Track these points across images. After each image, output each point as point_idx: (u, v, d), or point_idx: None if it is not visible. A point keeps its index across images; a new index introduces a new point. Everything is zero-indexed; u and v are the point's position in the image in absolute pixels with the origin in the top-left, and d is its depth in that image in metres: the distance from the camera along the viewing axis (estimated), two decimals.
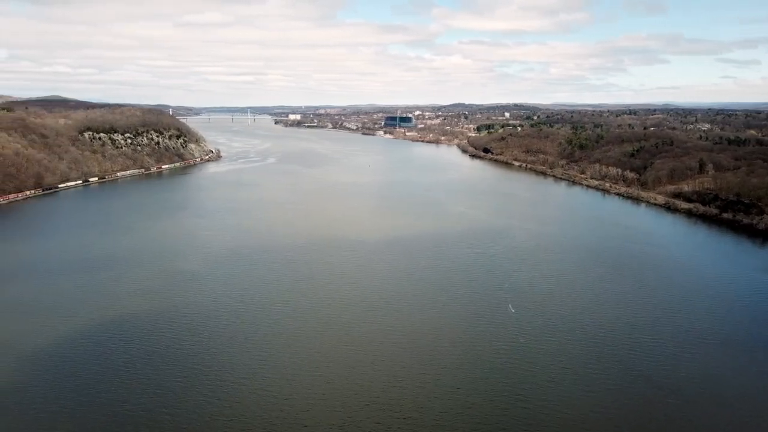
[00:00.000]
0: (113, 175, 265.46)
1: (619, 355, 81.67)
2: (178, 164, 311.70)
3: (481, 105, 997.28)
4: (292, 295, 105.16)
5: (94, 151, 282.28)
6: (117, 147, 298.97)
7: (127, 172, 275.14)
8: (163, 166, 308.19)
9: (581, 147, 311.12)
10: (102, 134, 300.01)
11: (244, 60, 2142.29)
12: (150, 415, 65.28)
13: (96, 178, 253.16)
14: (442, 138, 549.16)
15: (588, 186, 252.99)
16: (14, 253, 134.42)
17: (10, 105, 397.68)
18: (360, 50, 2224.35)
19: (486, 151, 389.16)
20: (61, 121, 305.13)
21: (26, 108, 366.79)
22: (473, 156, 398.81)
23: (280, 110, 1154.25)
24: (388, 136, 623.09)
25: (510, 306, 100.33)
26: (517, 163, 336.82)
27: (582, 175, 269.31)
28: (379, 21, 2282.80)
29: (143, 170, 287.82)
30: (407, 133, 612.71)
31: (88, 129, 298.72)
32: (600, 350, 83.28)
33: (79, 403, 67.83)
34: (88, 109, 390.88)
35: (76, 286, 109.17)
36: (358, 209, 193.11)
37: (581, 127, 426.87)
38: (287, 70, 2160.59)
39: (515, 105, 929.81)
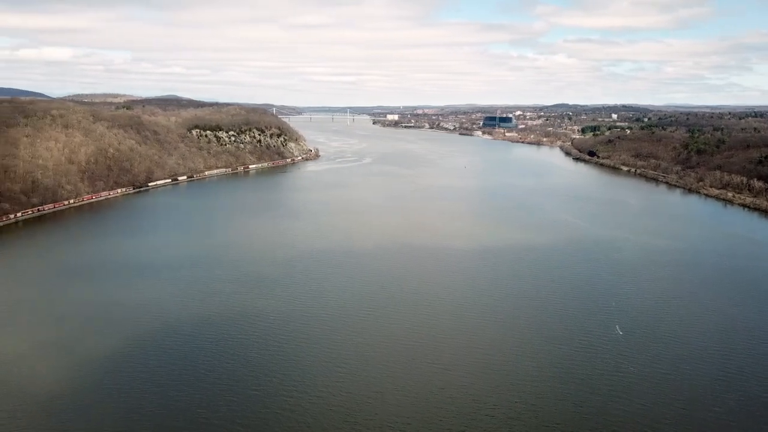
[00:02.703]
0: (201, 174, 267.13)
1: (750, 397, 70.03)
2: (265, 164, 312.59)
3: (586, 106, 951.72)
4: (379, 303, 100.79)
5: (200, 148, 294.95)
6: (221, 144, 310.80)
7: (215, 171, 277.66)
8: (252, 165, 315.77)
9: (699, 152, 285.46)
10: (208, 132, 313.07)
11: (346, 60, 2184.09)
12: (226, 425, 62.97)
13: (184, 177, 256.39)
14: (544, 139, 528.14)
15: (707, 195, 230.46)
16: (104, 250, 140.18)
17: (130, 104, 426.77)
18: (461, 49, 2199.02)
19: (591, 154, 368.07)
20: (172, 119, 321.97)
21: (143, 106, 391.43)
22: (577, 159, 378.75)
23: (379, 110, 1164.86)
24: (486, 136, 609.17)
25: (618, 328, 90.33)
26: (625, 168, 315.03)
27: (700, 183, 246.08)
28: (481, 20, 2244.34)
29: (230, 169, 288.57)
30: (507, 134, 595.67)
31: (196, 127, 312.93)
32: (726, 389, 71.86)
33: (158, 405, 66.89)
34: (197, 107, 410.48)
35: (161, 285, 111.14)
36: (451, 214, 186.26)
37: (698, 130, 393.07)
38: (386, 70, 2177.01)
39: (623, 106, 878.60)
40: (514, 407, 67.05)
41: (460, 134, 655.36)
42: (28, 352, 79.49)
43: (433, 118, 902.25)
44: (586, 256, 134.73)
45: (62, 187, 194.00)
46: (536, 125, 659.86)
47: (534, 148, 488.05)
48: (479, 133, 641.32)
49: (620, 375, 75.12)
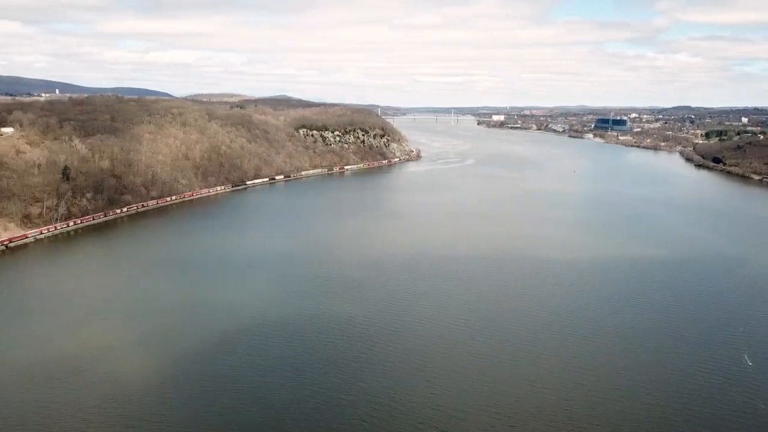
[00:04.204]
0: (297, 174, 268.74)
1: None
2: (361, 165, 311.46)
3: (711, 108, 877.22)
4: (475, 314, 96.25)
5: (306, 147, 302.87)
6: (327, 144, 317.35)
7: (311, 171, 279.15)
8: (348, 166, 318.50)
9: None
10: (314, 131, 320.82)
11: (454, 61, 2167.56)
12: (311, 428, 61.71)
13: (282, 176, 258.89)
14: (662, 144, 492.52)
15: None
16: (203, 245, 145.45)
17: (243, 103, 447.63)
18: (573, 49, 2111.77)
19: (716, 161, 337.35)
20: (281, 118, 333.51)
21: (255, 105, 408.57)
22: (699, 166, 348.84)
23: (484, 111, 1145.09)
24: (598, 139, 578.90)
25: (746, 357, 79.89)
26: (756, 177, 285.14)
27: None
28: (597, 17, 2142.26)
29: (326, 170, 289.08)
30: (620, 137, 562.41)
31: (303, 126, 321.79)
32: None
33: (246, 403, 67.02)
34: (306, 107, 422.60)
35: (253, 283, 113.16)
36: (556, 221, 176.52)
37: None
38: (494, 71, 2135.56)
39: (755, 109, 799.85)
40: None
41: (569, 137, 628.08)
42: (118, 344, 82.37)
43: (541, 119, 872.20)
44: (708, 273, 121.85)
45: (178, 181, 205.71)
46: (653, 129, 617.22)
47: (650, 153, 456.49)
48: (590, 135, 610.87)
49: (748, 414, 65.85)
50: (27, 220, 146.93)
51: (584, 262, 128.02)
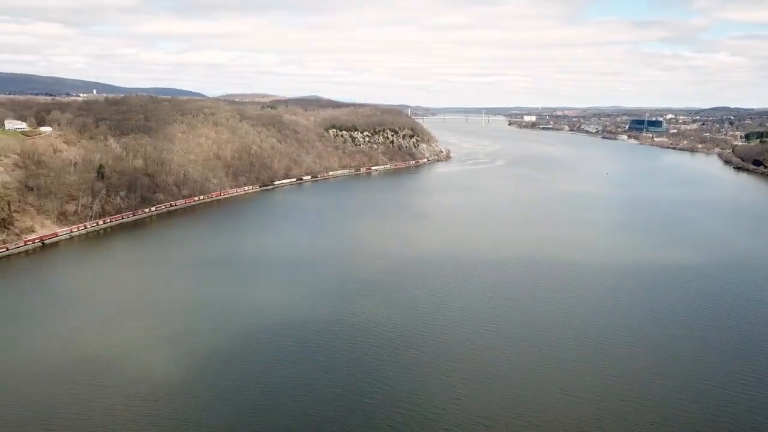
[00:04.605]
0: (324, 175, 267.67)
1: None
2: (387, 166, 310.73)
3: (752, 109, 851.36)
4: (504, 319, 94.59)
5: (336, 148, 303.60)
6: (356, 144, 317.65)
7: (338, 171, 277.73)
8: (375, 167, 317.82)
9: None
10: (344, 132, 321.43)
11: (484, 61, 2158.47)
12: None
13: (309, 177, 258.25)
14: (699, 146, 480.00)
15: None
16: (238, 245, 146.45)
17: (275, 103, 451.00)
18: (608, 49, 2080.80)
19: (757, 163, 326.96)
20: (311, 118, 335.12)
21: (286, 105, 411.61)
22: (739, 168, 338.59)
23: (516, 111, 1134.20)
24: (632, 141, 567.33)
25: None
26: None
27: None
28: (633, 17, 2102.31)
29: (353, 171, 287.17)
30: (655, 139, 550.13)
31: (333, 126, 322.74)
32: None
33: (272, 404, 66.84)
34: (336, 108, 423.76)
35: (281, 283, 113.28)
36: (589, 225, 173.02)
37: None
38: (526, 71, 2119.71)
39: None
40: None
41: (602, 138, 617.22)
42: (147, 342, 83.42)
43: (574, 120, 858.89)
44: (747, 279, 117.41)
45: (209, 180, 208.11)
46: (690, 130, 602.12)
47: (687, 155, 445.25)
48: (624, 137, 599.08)
49: None
50: (63, 217, 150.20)
51: (617, 267, 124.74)
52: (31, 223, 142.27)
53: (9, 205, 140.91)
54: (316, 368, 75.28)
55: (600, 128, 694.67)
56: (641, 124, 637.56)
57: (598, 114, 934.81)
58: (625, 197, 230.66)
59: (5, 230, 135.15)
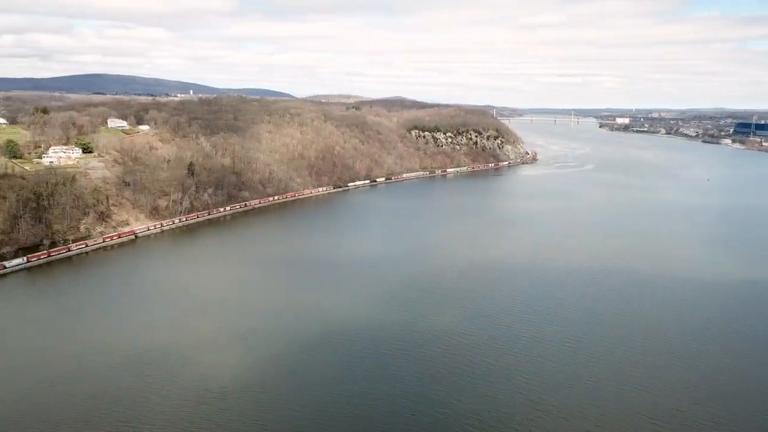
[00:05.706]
0: (398, 177, 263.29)
1: None
2: (463, 168, 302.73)
3: None
4: (583, 335, 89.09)
5: (417, 148, 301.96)
6: (438, 145, 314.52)
7: (412, 174, 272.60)
8: (450, 170, 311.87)
9: None
10: (426, 133, 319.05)
11: (574, 60, 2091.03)
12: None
13: (383, 179, 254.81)
14: None
15: None
16: (316, 245, 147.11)
17: (359, 104, 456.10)
18: (710, 47, 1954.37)
19: None
20: (394, 119, 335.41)
21: (370, 107, 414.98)
22: None
23: (607, 113, 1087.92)
24: (737, 145, 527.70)
25: None
26: None
27: None
28: (739, 12, 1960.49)
29: (427, 173, 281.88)
30: (764, 143, 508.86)
31: (415, 127, 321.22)
32: None
33: (341, 407, 65.86)
34: (419, 108, 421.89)
35: (353, 285, 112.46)
36: (683, 237, 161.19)
37: None
38: (619, 71, 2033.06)
39: None
40: None
41: (703, 142, 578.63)
42: (221, 339, 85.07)
43: (671, 122, 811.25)
44: None
45: (293, 179, 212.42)
46: None
47: None
48: (728, 141, 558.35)
49: None
50: (155, 211, 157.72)
51: (710, 283, 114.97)
52: (126, 217, 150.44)
53: (107, 199, 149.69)
54: (386, 375, 73.77)
55: (700, 131, 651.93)
56: (748, 128, 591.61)
57: (698, 116, 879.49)
58: (726, 207, 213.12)
59: (103, 222, 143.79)
